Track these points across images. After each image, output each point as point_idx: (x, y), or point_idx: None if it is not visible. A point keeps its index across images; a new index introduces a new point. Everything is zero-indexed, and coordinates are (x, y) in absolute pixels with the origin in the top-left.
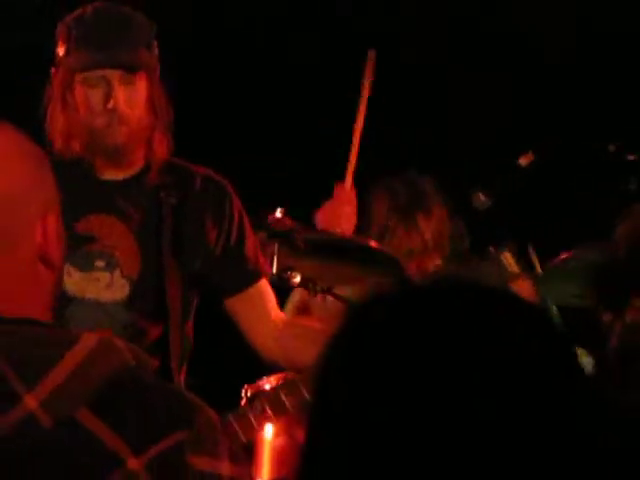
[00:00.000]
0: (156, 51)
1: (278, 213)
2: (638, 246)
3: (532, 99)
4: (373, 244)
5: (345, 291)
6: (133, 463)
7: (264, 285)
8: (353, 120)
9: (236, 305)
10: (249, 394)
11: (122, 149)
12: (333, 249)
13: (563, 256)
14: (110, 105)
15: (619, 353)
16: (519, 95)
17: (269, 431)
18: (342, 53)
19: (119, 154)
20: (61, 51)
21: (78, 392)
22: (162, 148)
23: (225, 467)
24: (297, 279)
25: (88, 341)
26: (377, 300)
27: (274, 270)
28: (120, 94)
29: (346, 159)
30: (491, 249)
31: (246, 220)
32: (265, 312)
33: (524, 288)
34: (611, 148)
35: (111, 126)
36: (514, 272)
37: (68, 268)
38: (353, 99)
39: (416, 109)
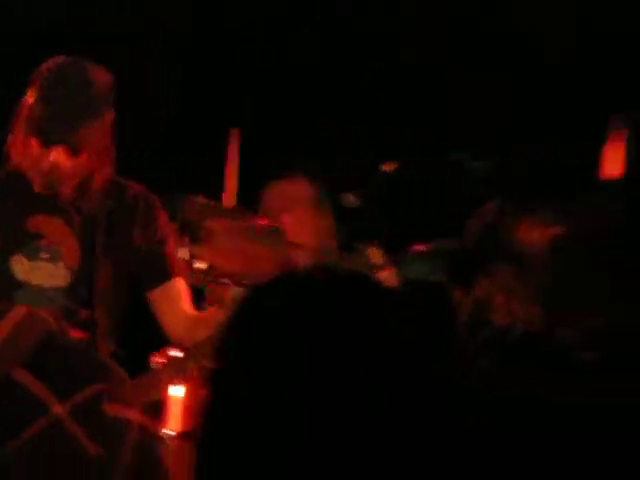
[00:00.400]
0: (110, 115)
1: (194, 200)
2: (484, 237)
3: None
4: (264, 221)
5: (248, 278)
6: (58, 409)
7: (180, 282)
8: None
9: (154, 297)
10: (156, 360)
11: (63, 183)
12: (238, 234)
13: (419, 246)
14: (51, 158)
15: (468, 327)
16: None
17: (178, 390)
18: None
19: (61, 185)
20: (31, 98)
21: (12, 354)
22: (104, 174)
23: (134, 414)
24: (202, 266)
25: (18, 312)
26: (268, 288)
27: (186, 258)
28: (62, 156)
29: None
30: (359, 245)
31: (170, 230)
32: (179, 305)
33: (388, 278)
34: (457, 157)
35: (53, 172)
36: (379, 264)
37: (20, 258)
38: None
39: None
